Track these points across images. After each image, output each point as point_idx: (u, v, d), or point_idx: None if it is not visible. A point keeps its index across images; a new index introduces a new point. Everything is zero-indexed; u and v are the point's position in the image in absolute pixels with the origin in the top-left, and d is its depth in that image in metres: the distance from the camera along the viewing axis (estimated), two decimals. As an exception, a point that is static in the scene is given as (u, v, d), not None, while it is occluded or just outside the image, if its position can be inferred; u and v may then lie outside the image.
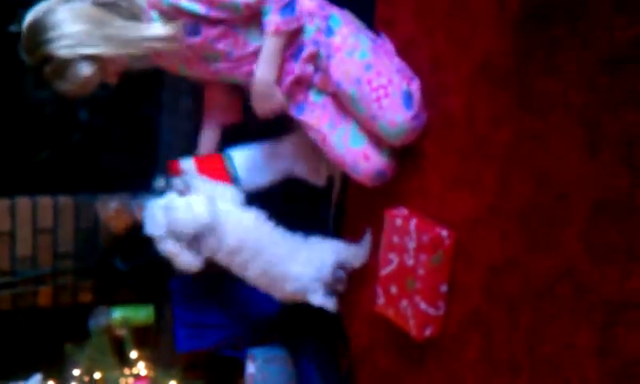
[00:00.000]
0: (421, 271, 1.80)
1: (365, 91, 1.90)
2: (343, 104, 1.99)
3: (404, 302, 1.88)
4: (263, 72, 1.95)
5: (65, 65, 1.82)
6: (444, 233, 1.79)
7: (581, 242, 1.42)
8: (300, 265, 2.14)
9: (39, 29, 1.80)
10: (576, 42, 1.43)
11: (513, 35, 1.61)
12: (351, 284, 2.20)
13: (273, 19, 1.89)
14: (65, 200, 2.98)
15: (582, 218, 1.42)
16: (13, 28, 2.99)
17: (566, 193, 1.46)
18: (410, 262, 1.84)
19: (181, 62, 2.00)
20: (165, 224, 2.10)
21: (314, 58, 1.98)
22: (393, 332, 1.99)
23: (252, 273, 2.15)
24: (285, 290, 2.18)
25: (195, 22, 1.90)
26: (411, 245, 1.83)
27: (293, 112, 2.08)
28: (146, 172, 2.98)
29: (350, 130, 1.99)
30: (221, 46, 1.95)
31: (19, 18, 2.97)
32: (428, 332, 1.85)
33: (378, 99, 1.88)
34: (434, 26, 1.88)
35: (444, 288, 1.83)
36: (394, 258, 1.91)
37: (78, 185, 3.04)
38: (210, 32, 1.92)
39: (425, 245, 1.79)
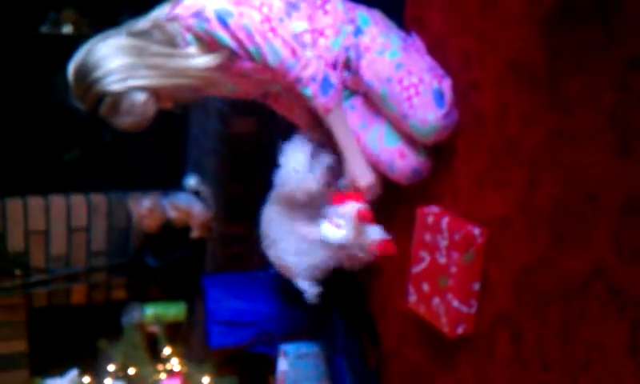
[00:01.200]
0: (453, 269, 1.81)
1: (396, 90, 1.89)
2: (375, 103, 1.99)
3: (436, 300, 1.88)
4: (355, 166, 2.01)
5: (118, 99, 1.82)
6: (476, 231, 1.80)
7: (611, 241, 1.41)
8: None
9: (85, 71, 1.80)
10: (607, 41, 1.42)
11: (543, 33, 1.60)
12: (382, 281, 2.21)
13: (319, 102, 1.92)
14: (98, 198, 3.02)
15: (612, 218, 1.41)
16: (44, 29, 3.05)
17: (596, 193, 1.45)
18: (442, 259, 1.85)
19: (225, 81, 2.01)
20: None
21: (346, 63, 1.99)
22: (423, 329, 2.00)
23: None
24: None
25: (230, 53, 1.91)
26: (443, 243, 1.84)
27: None
28: (177, 171, 3.03)
29: (384, 129, 1.99)
30: (259, 75, 1.97)
31: (49, 18, 3.04)
32: (460, 330, 1.86)
33: (409, 98, 1.88)
34: (464, 24, 1.87)
35: (476, 286, 1.83)
36: (425, 255, 1.92)
37: (110, 183, 3.09)
38: (244, 65, 1.93)
39: (457, 243, 1.79)
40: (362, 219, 2.00)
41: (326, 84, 1.91)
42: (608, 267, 1.42)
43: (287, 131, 2.18)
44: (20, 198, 2.93)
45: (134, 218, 2.87)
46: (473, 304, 1.84)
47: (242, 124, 2.72)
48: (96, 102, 1.81)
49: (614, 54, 1.40)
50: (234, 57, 1.91)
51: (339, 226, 1.99)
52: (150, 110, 1.88)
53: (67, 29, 3.07)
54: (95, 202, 3.02)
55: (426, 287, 1.92)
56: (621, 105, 1.39)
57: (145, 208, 2.82)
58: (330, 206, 2.04)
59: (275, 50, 1.88)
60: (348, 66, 1.98)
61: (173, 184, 2.95)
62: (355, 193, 2.04)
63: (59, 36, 3.05)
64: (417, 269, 1.95)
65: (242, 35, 1.85)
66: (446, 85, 1.88)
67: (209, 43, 1.88)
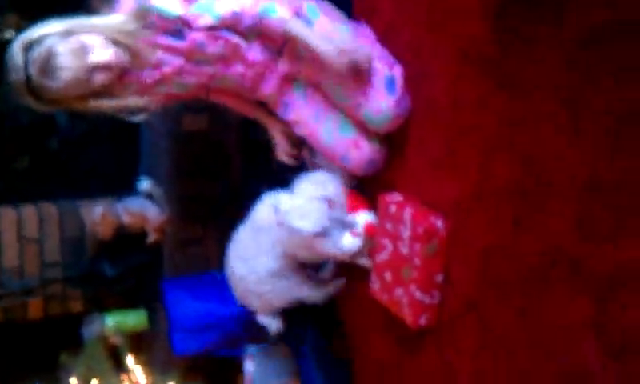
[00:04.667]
0: (416, 261, 1.79)
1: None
2: (327, 94, 1.96)
3: (399, 290, 1.87)
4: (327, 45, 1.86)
5: (51, 48, 1.76)
6: (439, 223, 1.78)
7: (570, 221, 1.41)
8: None
9: (22, 40, 1.79)
10: (557, 22, 1.41)
11: (493, 19, 1.59)
12: (345, 269, 2.19)
13: (281, 6, 1.87)
14: (48, 208, 2.95)
15: (569, 197, 1.41)
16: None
17: (552, 173, 1.45)
18: (405, 250, 1.83)
19: (175, 76, 1.96)
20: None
21: (295, 52, 1.95)
22: (388, 318, 1.99)
23: None
24: None
25: (177, 26, 1.87)
26: (406, 233, 1.82)
27: (280, 112, 2.05)
28: (129, 175, 2.97)
29: (338, 120, 1.97)
30: (211, 49, 1.91)
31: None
32: (423, 320, 1.85)
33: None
34: (415, 13, 1.86)
35: (439, 277, 1.82)
36: (387, 244, 1.90)
37: (59, 191, 3.01)
38: (196, 35, 1.88)
39: (420, 235, 1.77)
40: (371, 233, 1.99)
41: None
42: (568, 245, 1.42)
43: (239, 127, 2.16)
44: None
45: (88, 225, 2.81)
46: (435, 295, 1.83)
47: (194, 121, 2.68)
48: (24, 62, 1.75)
49: (563, 34, 1.40)
50: (182, 30, 1.87)
51: (356, 235, 1.99)
52: (83, 66, 1.78)
53: (10, 34, 2.98)
54: (46, 212, 2.95)
55: (388, 276, 1.91)
56: (572, 85, 1.39)
57: (98, 215, 2.76)
58: (346, 215, 2.03)
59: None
60: (298, 54, 1.94)
61: (125, 188, 2.89)
62: (362, 199, 2.04)
63: (1, 41, 2.95)
64: (380, 257, 1.93)
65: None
66: (397, 71, 1.87)
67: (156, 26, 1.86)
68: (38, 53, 1.76)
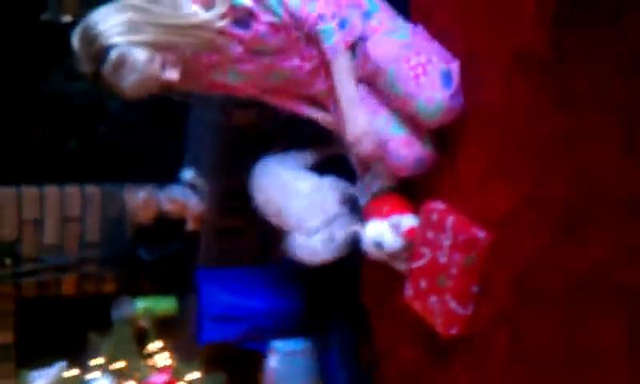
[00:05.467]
0: (453, 270, 1.78)
1: (403, 69, 1.87)
2: (381, 91, 1.95)
3: (433, 298, 1.85)
4: (355, 114, 1.97)
5: (122, 54, 1.83)
6: (480, 234, 1.75)
7: (614, 240, 1.39)
8: None
9: (89, 27, 1.84)
10: (615, 38, 1.40)
11: (551, 29, 1.57)
12: (378, 277, 2.18)
13: (338, 38, 1.92)
14: (92, 189, 3.00)
15: (616, 217, 1.39)
16: (44, 16, 3.03)
17: (602, 190, 1.43)
18: (443, 259, 1.81)
19: (232, 63, 2.00)
20: None
21: (353, 47, 1.96)
22: (419, 327, 1.96)
23: None
24: None
25: (244, 15, 1.91)
26: (446, 242, 1.81)
27: (331, 108, 2.07)
28: (174, 163, 3.00)
29: (391, 118, 1.96)
30: (273, 40, 1.95)
31: (50, 5, 3.03)
32: (454, 330, 1.83)
33: (416, 77, 1.85)
34: (472, 18, 1.85)
35: (475, 289, 1.79)
36: (426, 252, 1.88)
37: (105, 174, 3.06)
38: (259, 28, 1.92)
39: (460, 245, 1.76)
40: (411, 237, 1.98)
41: (343, 21, 1.92)
42: (610, 266, 1.40)
43: (288, 124, 2.17)
44: (14, 187, 2.91)
45: (129, 209, 2.84)
46: (470, 306, 1.81)
47: (242, 115, 2.69)
48: (99, 58, 1.83)
49: (623, 51, 1.38)
50: (248, 20, 1.91)
51: (397, 234, 1.99)
52: (154, 71, 1.87)
53: (67, 17, 3.05)
54: (89, 193, 2.99)
55: (423, 284, 1.89)
56: (629, 102, 1.37)
57: (140, 200, 2.78)
58: (392, 214, 2.04)
59: None
60: (354, 49, 1.96)
61: (169, 176, 2.92)
62: (408, 203, 2.05)
63: (59, 24, 3.02)
64: (416, 264, 1.92)
65: None
66: (454, 67, 1.87)
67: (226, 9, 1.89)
68: (116, 55, 1.83)
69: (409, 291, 1.96)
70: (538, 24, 1.61)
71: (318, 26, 1.90)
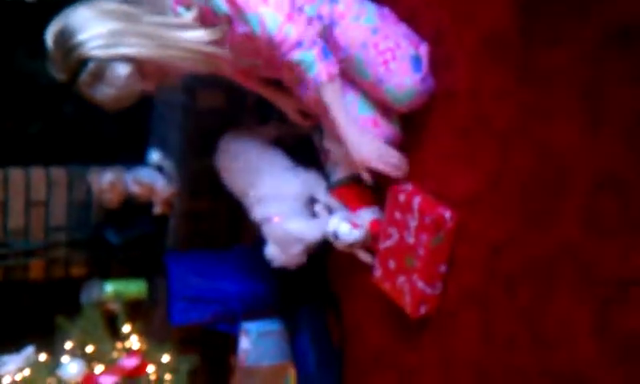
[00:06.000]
0: (421, 251, 1.79)
1: (371, 55, 1.86)
2: (349, 74, 1.95)
3: (401, 278, 1.87)
4: (353, 135, 1.88)
5: (102, 67, 1.68)
6: (447, 214, 1.77)
7: (581, 217, 1.41)
8: None
9: (67, 34, 1.67)
10: (580, 15, 1.41)
11: (517, 8, 1.59)
12: (346, 257, 2.19)
13: (322, 67, 1.80)
14: (57, 172, 2.95)
15: (582, 193, 1.41)
16: (4, -4, 2.96)
17: (567, 167, 1.45)
18: (411, 239, 1.83)
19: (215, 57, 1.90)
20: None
21: (321, 33, 1.94)
22: (387, 306, 1.99)
23: None
24: None
25: (225, 23, 1.82)
26: (413, 223, 1.82)
27: (298, 90, 2.05)
28: (140, 145, 2.97)
29: (358, 99, 1.96)
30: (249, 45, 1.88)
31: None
32: (423, 310, 1.85)
33: (385, 62, 1.85)
34: None
35: (443, 268, 1.82)
36: (394, 232, 1.90)
37: (70, 157, 3.02)
38: (238, 31, 1.83)
39: (427, 225, 1.77)
40: (374, 230, 2.01)
41: (325, 49, 1.83)
42: (577, 244, 1.42)
43: (256, 106, 2.15)
44: (-22, 171, 2.86)
45: (95, 192, 2.81)
46: (438, 286, 1.83)
47: (209, 98, 2.67)
48: (76, 69, 1.68)
49: (589, 29, 1.40)
50: (227, 27, 1.82)
51: (356, 226, 2.02)
52: (133, 86, 1.74)
53: (30, -1, 2.98)
54: (55, 176, 2.95)
55: (392, 264, 1.90)
56: (594, 81, 1.39)
57: (106, 182, 2.75)
58: (348, 208, 2.08)
59: (273, 14, 1.77)
60: (322, 35, 1.93)
61: (136, 158, 2.89)
62: (366, 195, 2.06)
63: (23, 2, 2.95)
64: (384, 245, 1.93)
65: (239, 1, 1.77)
66: (423, 50, 1.87)
67: (203, 14, 1.79)
68: (94, 68, 1.68)
69: (377, 271, 1.98)
70: (506, 6, 1.61)
71: (296, 55, 1.79)
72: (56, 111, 3.05)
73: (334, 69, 1.83)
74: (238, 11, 1.78)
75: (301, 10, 1.85)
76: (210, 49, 1.83)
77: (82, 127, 3.04)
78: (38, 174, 2.93)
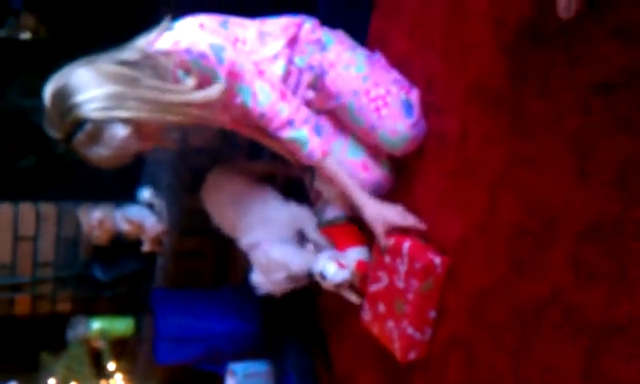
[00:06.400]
0: (410, 296, 1.79)
1: (363, 102, 1.89)
2: (341, 119, 1.98)
3: (390, 323, 1.87)
4: (364, 201, 1.93)
5: (99, 128, 1.65)
6: (437, 260, 1.78)
7: (568, 266, 1.42)
8: None
9: (66, 94, 1.65)
10: (570, 66, 1.44)
11: (507, 57, 1.61)
12: (335, 298, 2.19)
13: (315, 145, 1.87)
14: (47, 207, 2.94)
15: (569, 243, 1.42)
16: (1, 33, 2.98)
17: (556, 217, 1.46)
18: (401, 284, 1.83)
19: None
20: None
21: (312, 83, 1.97)
22: (376, 350, 1.98)
23: None
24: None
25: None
26: (402, 268, 1.83)
27: None
28: (131, 182, 2.97)
29: (348, 143, 1.99)
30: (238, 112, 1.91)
31: (8, 24, 2.98)
32: (412, 355, 1.84)
33: (377, 109, 1.88)
34: (429, 46, 1.89)
35: (432, 314, 1.82)
36: (383, 276, 1.90)
37: (60, 193, 3.01)
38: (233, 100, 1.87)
39: (417, 271, 1.78)
40: (361, 271, 2.02)
41: (316, 127, 1.88)
42: (564, 292, 1.42)
43: (247, 147, 2.17)
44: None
45: (84, 229, 2.80)
46: (427, 331, 1.83)
47: (201, 136, 2.68)
48: (72, 130, 1.65)
49: (576, 79, 1.42)
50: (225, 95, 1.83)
51: (342, 266, 2.02)
52: (129, 147, 1.72)
53: (25, 35, 3.00)
54: (44, 212, 2.94)
55: (381, 308, 1.90)
56: (582, 130, 1.41)
57: (95, 219, 2.74)
58: (334, 248, 2.09)
59: (265, 90, 1.83)
60: (313, 85, 1.97)
61: (126, 196, 2.89)
62: (355, 235, 2.07)
63: (17, 41, 2.97)
64: (374, 288, 1.93)
65: (235, 70, 1.79)
66: (414, 95, 1.90)
67: (201, 80, 1.79)
68: (91, 129, 1.65)
69: (367, 315, 1.97)
70: (494, 51, 1.64)
71: (289, 133, 1.85)
72: (47, 148, 3.05)
73: (327, 146, 1.90)
74: (234, 82, 1.81)
75: (291, 64, 1.89)
76: (208, 113, 1.86)
77: (73, 164, 3.04)
78: (26, 209, 2.92)
